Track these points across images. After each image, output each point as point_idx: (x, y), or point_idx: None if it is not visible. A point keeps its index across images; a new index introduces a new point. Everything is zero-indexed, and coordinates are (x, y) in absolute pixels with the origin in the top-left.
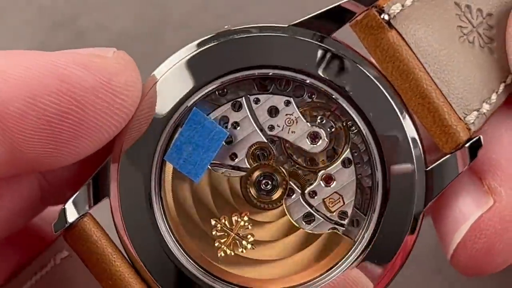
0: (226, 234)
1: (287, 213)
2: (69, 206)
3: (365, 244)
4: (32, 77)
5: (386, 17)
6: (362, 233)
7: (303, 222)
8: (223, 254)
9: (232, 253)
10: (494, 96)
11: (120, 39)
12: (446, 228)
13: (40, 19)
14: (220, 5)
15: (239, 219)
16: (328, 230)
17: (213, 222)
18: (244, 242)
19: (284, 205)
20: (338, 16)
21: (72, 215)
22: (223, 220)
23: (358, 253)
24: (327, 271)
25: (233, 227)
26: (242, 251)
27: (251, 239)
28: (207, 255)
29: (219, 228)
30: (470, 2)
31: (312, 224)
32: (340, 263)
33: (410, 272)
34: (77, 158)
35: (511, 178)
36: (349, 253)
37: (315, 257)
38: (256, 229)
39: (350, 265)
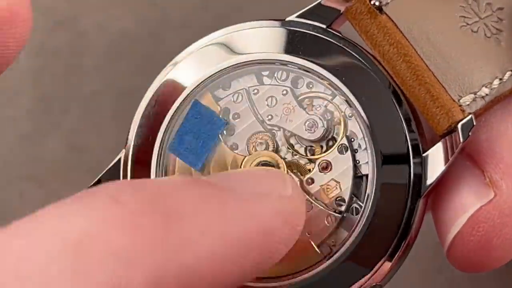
0: None
1: None
2: None
3: (361, 231)
4: None
5: (377, 3)
6: (359, 220)
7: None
8: None
9: None
10: (496, 82)
11: (120, 40)
12: (444, 218)
13: (40, 19)
14: (220, 5)
15: None
16: (325, 217)
17: None
18: None
19: None
20: (331, 7)
21: None
22: None
23: (354, 242)
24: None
25: None
26: None
27: None
28: None
29: None
30: None
31: (310, 212)
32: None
33: (410, 272)
34: None
35: None
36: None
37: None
38: None
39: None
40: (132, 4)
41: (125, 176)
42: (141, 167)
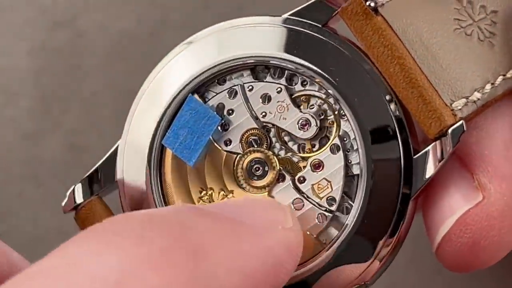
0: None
1: None
2: (78, 188)
3: (351, 230)
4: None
5: (372, 4)
6: (350, 219)
7: (293, 208)
8: None
9: None
10: (488, 86)
11: (120, 40)
12: (433, 220)
13: (40, 19)
14: (220, 5)
15: (223, 195)
16: (316, 216)
17: (201, 192)
18: None
19: (267, 193)
20: (327, 6)
21: (80, 196)
22: (210, 192)
23: (343, 240)
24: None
25: (217, 201)
26: None
27: None
28: None
29: (205, 198)
30: None
31: (301, 210)
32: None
33: (409, 273)
34: None
35: (501, 176)
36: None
37: None
38: None
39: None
40: (132, 4)
41: (120, 166)
42: (135, 159)
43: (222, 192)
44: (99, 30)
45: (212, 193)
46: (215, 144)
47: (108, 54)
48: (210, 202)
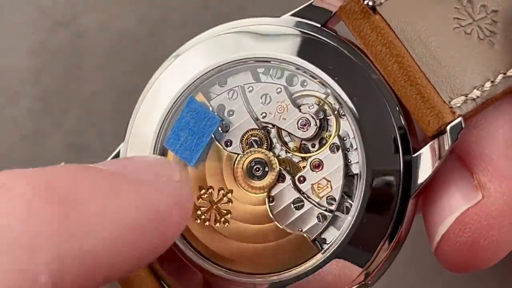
0: (208, 204)
1: (266, 203)
2: None
3: (350, 230)
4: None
5: (370, 3)
6: (350, 219)
7: (293, 208)
8: (198, 221)
9: (207, 223)
10: (488, 84)
11: (120, 40)
12: (432, 219)
13: (40, 19)
14: (220, 5)
15: (223, 194)
16: (316, 216)
17: (201, 190)
18: (220, 217)
19: (266, 194)
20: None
21: None
22: (210, 190)
23: (344, 240)
24: (291, 268)
25: (216, 200)
26: (216, 225)
27: (228, 216)
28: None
29: (204, 197)
30: None
31: (301, 210)
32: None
33: (408, 272)
34: None
35: (501, 175)
36: (313, 257)
37: (280, 254)
38: (236, 208)
39: (333, 253)
40: (132, 4)
41: None
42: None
43: (221, 191)
44: (99, 30)
45: (212, 191)
46: (217, 143)
47: (108, 54)
48: (209, 201)
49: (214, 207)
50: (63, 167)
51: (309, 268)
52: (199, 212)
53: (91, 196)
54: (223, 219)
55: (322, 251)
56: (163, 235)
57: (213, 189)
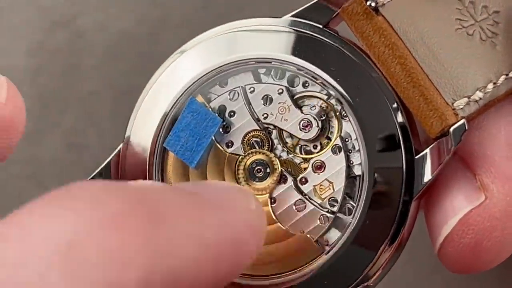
0: None
1: (268, 204)
2: None
3: (353, 231)
4: None
5: (373, 4)
6: (352, 220)
7: (295, 209)
8: None
9: None
10: (490, 86)
11: (120, 39)
12: (435, 221)
13: (39, 19)
14: (220, 5)
15: None
16: (318, 217)
17: None
18: None
19: (268, 195)
20: (328, 7)
21: None
22: None
23: (346, 242)
24: (294, 269)
25: None
26: None
27: None
28: None
29: None
30: None
31: (303, 211)
32: (307, 265)
33: (407, 271)
34: None
35: (504, 176)
36: (317, 258)
37: (284, 255)
38: None
39: (336, 255)
40: (132, 4)
41: (122, 170)
42: (137, 162)
43: None
44: (98, 30)
45: None
46: (218, 145)
47: (107, 54)
48: None
49: None
50: (155, 184)
51: (314, 270)
52: None
53: (179, 216)
54: None
55: (326, 252)
56: (238, 261)
57: None
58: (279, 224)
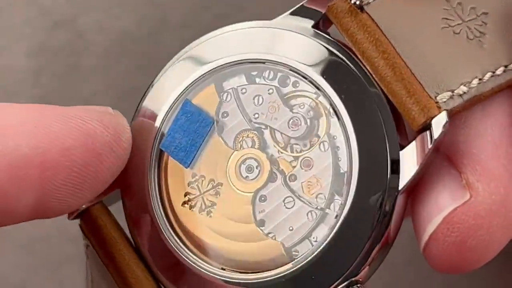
0: (197, 192)
1: (251, 203)
2: None
3: (340, 227)
4: (65, 130)
5: (358, 2)
6: (337, 216)
7: (284, 207)
8: (186, 206)
9: (191, 210)
10: (475, 81)
11: (120, 39)
12: (420, 218)
13: (40, 19)
14: (220, 5)
15: (212, 186)
16: (306, 213)
17: (194, 177)
18: (205, 206)
19: (253, 195)
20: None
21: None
22: (201, 179)
23: (333, 238)
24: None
25: (205, 189)
26: (200, 214)
27: (213, 207)
28: (174, 201)
29: (194, 185)
30: (463, 0)
31: (292, 209)
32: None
33: (408, 271)
34: (85, 202)
35: (489, 175)
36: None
37: (253, 255)
38: (221, 202)
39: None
40: (132, 4)
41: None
42: (136, 164)
43: (212, 182)
44: (99, 30)
45: (203, 180)
46: (218, 136)
47: (108, 54)
48: (198, 188)
49: (201, 195)
50: None
51: (277, 276)
52: (187, 198)
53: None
54: (207, 210)
55: (293, 262)
56: (95, 154)
57: (205, 178)
58: (254, 224)
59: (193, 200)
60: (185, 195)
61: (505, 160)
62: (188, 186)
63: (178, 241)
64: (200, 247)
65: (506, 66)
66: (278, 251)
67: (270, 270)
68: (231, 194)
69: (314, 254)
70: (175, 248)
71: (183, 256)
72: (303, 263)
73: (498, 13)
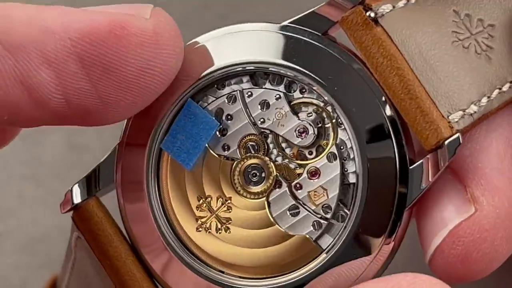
0: (207, 213)
1: (266, 207)
2: (76, 188)
3: (345, 238)
4: (94, 20)
5: (372, 14)
6: (344, 228)
7: (288, 214)
8: (200, 230)
9: (208, 232)
10: (484, 100)
11: None
12: (426, 231)
13: None
14: (220, 5)
15: (222, 202)
16: (312, 224)
17: (200, 200)
18: (221, 225)
19: (265, 198)
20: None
21: (78, 196)
22: (208, 199)
23: (339, 248)
24: (292, 271)
25: (216, 208)
26: (218, 233)
27: (229, 223)
28: (186, 229)
29: (203, 206)
30: (471, 11)
31: (297, 217)
32: (306, 265)
33: (407, 271)
34: (118, 117)
35: (494, 189)
36: (316, 258)
37: (283, 256)
38: (236, 215)
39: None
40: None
41: (119, 161)
42: (134, 161)
43: (220, 199)
44: None
45: (210, 200)
46: (211, 151)
47: None
48: (209, 209)
49: (214, 215)
50: None
51: (314, 269)
52: (199, 222)
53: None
54: (224, 226)
55: (326, 251)
56: (127, 43)
57: (212, 198)
58: (277, 226)
59: (207, 222)
60: (196, 220)
61: (510, 173)
62: (197, 210)
63: (206, 267)
64: (232, 266)
65: (511, 82)
66: (310, 245)
67: (306, 265)
68: (243, 205)
69: (318, 264)
70: (203, 273)
71: (218, 281)
72: (317, 266)
73: (503, 25)
